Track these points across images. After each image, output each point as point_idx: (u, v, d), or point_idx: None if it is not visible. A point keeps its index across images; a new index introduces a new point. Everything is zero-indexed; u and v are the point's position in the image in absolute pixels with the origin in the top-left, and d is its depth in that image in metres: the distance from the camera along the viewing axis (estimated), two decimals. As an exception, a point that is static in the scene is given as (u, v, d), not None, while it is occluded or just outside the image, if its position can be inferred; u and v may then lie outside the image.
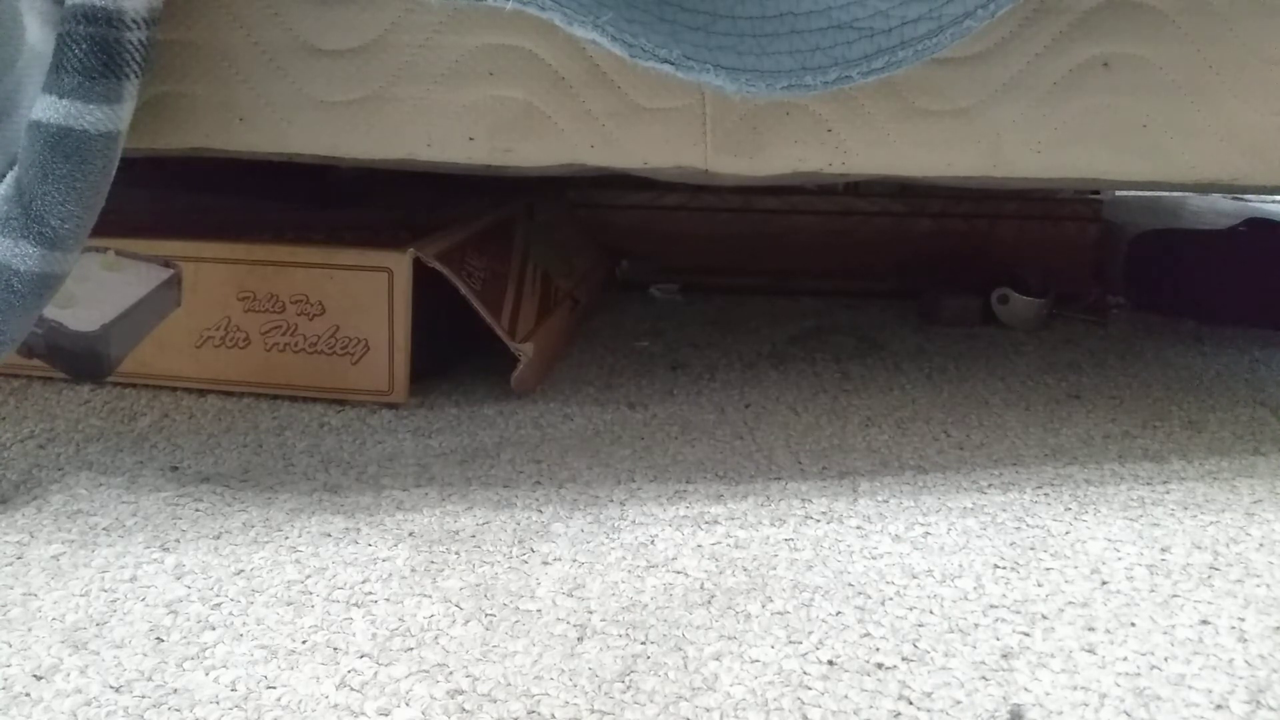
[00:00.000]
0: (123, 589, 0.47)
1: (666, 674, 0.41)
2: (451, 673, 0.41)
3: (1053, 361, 0.84)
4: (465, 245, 0.74)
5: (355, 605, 0.46)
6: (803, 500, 0.57)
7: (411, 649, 0.43)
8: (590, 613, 0.46)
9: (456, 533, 0.53)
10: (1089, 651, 0.43)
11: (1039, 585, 0.48)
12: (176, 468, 0.60)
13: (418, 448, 0.64)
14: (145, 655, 0.42)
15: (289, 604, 0.46)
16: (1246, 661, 0.43)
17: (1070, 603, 0.47)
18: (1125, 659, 0.43)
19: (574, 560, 0.50)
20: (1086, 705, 0.40)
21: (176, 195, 0.89)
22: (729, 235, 1.06)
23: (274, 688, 0.40)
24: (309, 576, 0.48)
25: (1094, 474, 0.61)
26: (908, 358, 0.85)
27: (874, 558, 0.51)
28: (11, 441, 0.64)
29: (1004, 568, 0.50)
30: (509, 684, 0.41)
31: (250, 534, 0.52)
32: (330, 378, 0.70)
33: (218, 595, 0.47)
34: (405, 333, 0.69)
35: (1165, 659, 0.43)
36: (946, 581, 0.49)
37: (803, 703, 0.40)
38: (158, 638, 0.43)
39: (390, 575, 0.49)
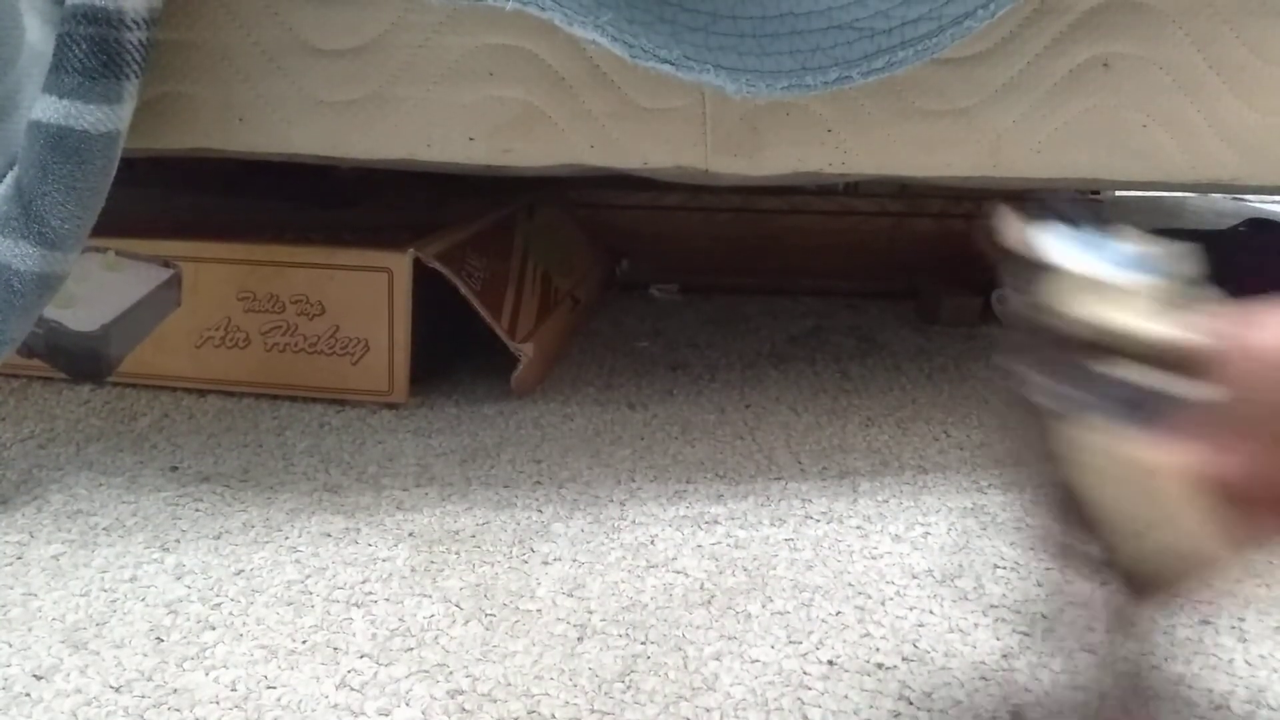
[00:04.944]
0: (123, 589, 0.47)
1: (667, 674, 0.41)
2: (451, 673, 0.41)
3: (1053, 362, 0.84)
4: (465, 245, 0.74)
5: (355, 605, 0.46)
6: (803, 500, 0.57)
7: (411, 649, 0.43)
8: (590, 613, 0.46)
9: (456, 533, 0.53)
10: (1089, 652, 0.43)
11: (1039, 586, 0.48)
12: (176, 468, 0.60)
13: (418, 448, 0.64)
14: (145, 655, 0.42)
15: (289, 604, 0.46)
16: (1246, 662, 0.43)
17: (1070, 603, 0.47)
18: (1125, 659, 0.43)
19: (574, 560, 0.50)
20: (1087, 705, 0.40)
21: (177, 195, 0.89)
22: (729, 235, 1.06)
23: (274, 687, 0.40)
24: (309, 576, 0.48)
25: (1094, 474, 0.61)
26: (908, 357, 0.85)
27: (874, 558, 0.51)
28: (12, 441, 0.64)
29: (1004, 568, 0.50)
30: (509, 684, 0.41)
31: (250, 534, 0.52)
32: (330, 378, 0.70)
33: (218, 595, 0.47)
34: (405, 333, 0.69)
35: (1165, 659, 0.43)
36: (946, 581, 0.49)
37: (803, 703, 0.40)
38: (158, 638, 0.43)
39: (390, 575, 0.49)
